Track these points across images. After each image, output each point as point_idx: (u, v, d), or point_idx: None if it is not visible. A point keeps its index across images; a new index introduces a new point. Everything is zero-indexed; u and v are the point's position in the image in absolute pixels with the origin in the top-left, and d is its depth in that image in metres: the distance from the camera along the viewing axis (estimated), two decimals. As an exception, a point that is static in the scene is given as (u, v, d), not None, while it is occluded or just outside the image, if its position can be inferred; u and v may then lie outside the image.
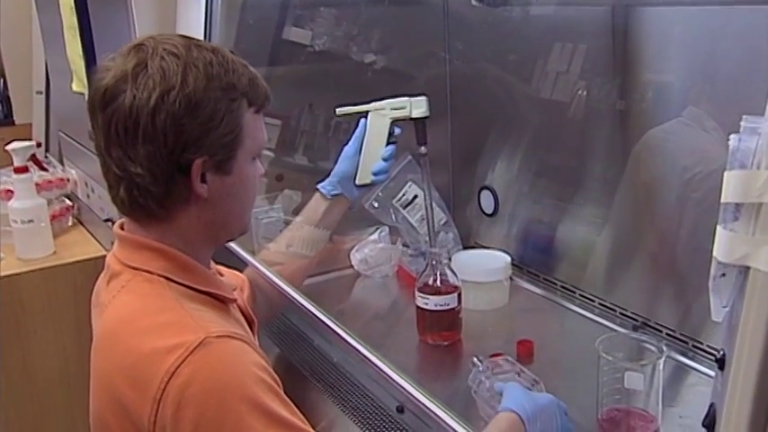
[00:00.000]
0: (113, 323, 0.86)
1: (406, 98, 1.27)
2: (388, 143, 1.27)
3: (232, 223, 0.93)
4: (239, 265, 1.22)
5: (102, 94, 0.83)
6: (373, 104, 1.28)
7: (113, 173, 0.85)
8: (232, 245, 1.26)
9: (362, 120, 1.29)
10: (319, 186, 1.28)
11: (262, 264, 1.22)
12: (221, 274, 1.02)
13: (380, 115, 1.28)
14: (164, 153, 0.83)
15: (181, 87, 0.82)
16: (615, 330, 1.25)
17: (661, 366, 0.93)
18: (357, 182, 1.28)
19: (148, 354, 0.79)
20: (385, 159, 1.27)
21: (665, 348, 0.95)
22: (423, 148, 1.27)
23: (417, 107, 1.26)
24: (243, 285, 1.16)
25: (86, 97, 1.53)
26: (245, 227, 0.97)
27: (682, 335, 1.17)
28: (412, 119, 1.27)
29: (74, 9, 1.50)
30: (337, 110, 1.30)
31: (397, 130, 1.28)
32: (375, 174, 1.27)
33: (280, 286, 1.17)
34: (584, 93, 1.35)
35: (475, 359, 1.05)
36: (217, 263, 1.04)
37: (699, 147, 1.16)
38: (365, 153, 1.28)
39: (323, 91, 1.66)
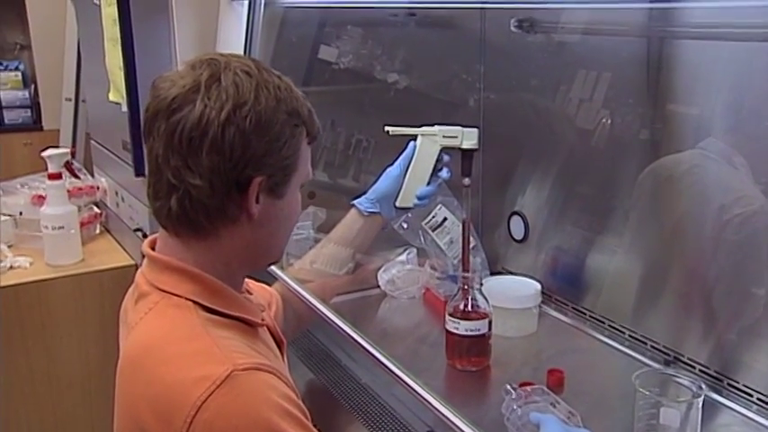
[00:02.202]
0: (139, 349, 0.85)
1: (458, 128, 1.27)
2: (434, 169, 1.28)
3: (272, 247, 0.94)
4: (269, 279, 1.23)
5: (170, 102, 0.83)
6: (425, 129, 1.28)
7: (167, 182, 0.85)
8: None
9: (411, 142, 1.29)
10: (356, 203, 1.28)
11: (292, 279, 1.23)
12: (250, 292, 1.02)
13: (431, 140, 1.28)
14: (227, 167, 0.83)
15: (253, 104, 0.83)
16: (645, 363, 1.24)
17: (699, 405, 0.92)
18: (398, 203, 1.27)
19: (174, 385, 0.78)
20: (443, 179, 1.28)
21: (704, 387, 0.94)
22: (467, 180, 1.27)
23: (468, 139, 1.27)
24: (271, 300, 1.16)
25: (123, 107, 1.54)
26: (280, 253, 0.97)
27: (716, 372, 1.15)
28: (461, 149, 1.27)
29: (117, 21, 1.53)
30: (389, 129, 1.28)
31: (446, 158, 1.28)
32: (419, 198, 1.27)
33: (311, 303, 1.18)
34: (616, 121, 1.35)
35: (508, 386, 1.04)
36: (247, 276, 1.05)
37: (733, 185, 1.15)
38: (411, 176, 1.27)
39: (345, 108, 1.68)
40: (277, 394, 0.79)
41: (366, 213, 1.27)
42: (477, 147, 1.27)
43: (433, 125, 1.28)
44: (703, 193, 1.19)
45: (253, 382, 0.78)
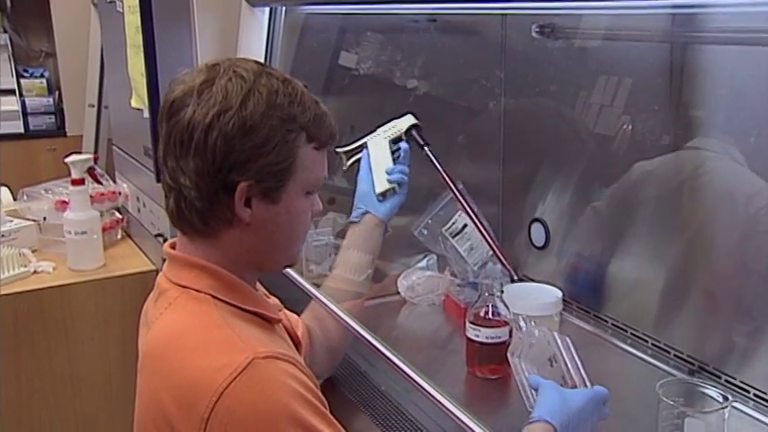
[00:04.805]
0: (160, 340, 0.86)
1: (393, 121, 1.34)
2: (395, 157, 1.31)
3: (276, 253, 0.93)
4: (285, 283, 1.23)
5: (170, 106, 0.86)
6: (368, 137, 1.35)
7: (166, 182, 0.89)
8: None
9: (364, 150, 1.33)
10: (349, 221, 1.30)
11: (311, 284, 1.23)
12: (267, 295, 1.03)
13: (377, 141, 1.33)
14: (211, 170, 0.84)
15: (238, 109, 0.84)
16: (669, 372, 1.22)
17: (726, 416, 0.91)
18: (377, 191, 1.28)
19: (195, 372, 0.80)
20: (404, 150, 1.31)
21: (730, 397, 0.92)
22: (427, 149, 1.31)
23: (406, 121, 1.33)
24: (297, 324, 1.14)
25: (145, 113, 1.57)
26: (291, 259, 0.97)
27: (742, 382, 1.13)
28: (407, 132, 1.32)
29: (139, 29, 1.54)
30: (337, 149, 1.35)
31: (402, 145, 1.32)
32: (389, 173, 1.28)
33: (329, 308, 1.18)
34: (637, 127, 1.34)
35: (521, 318, 1.07)
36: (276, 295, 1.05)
37: (747, 179, 1.15)
38: (376, 170, 1.30)
39: (365, 114, 1.67)
40: (296, 382, 0.81)
41: (357, 219, 1.27)
42: (416, 121, 1.33)
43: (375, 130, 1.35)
44: (723, 190, 1.19)
45: (273, 370, 0.80)
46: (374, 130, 1.35)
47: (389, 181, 1.28)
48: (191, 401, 0.78)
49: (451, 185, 1.32)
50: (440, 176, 1.32)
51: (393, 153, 1.32)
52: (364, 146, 1.34)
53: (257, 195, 0.87)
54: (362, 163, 1.32)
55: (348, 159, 1.36)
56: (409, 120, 1.33)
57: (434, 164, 1.30)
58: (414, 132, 1.32)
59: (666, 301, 1.31)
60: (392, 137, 1.33)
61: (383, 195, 1.28)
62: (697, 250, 1.25)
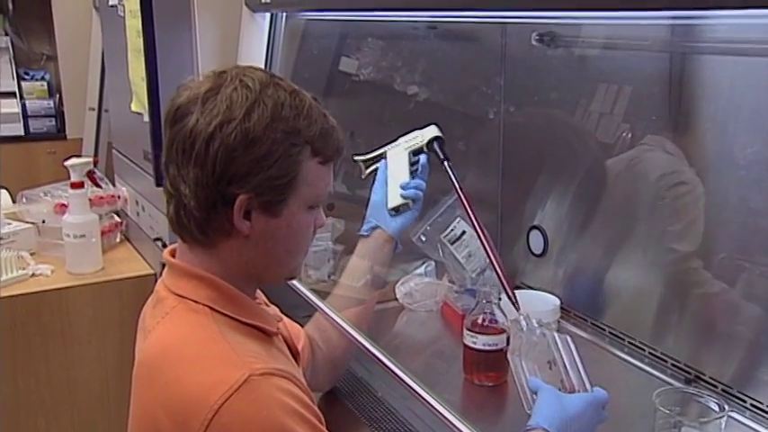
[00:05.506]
0: (156, 352, 0.86)
1: (416, 131, 1.30)
2: (413, 170, 1.28)
3: (275, 266, 0.92)
4: (288, 293, 1.23)
5: (174, 112, 0.86)
6: (388, 146, 1.32)
7: (167, 189, 0.88)
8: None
9: (383, 160, 1.31)
10: (359, 233, 1.27)
11: (311, 292, 1.23)
12: (267, 304, 1.02)
13: (397, 151, 1.30)
14: (210, 181, 0.83)
15: (242, 121, 0.82)
16: (666, 381, 1.22)
17: (722, 425, 0.91)
18: (388, 206, 1.25)
19: (190, 387, 0.79)
20: (422, 163, 1.28)
21: (727, 407, 0.92)
22: (446, 163, 1.27)
23: (429, 132, 1.30)
24: (298, 335, 1.13)
25: (145, 117, 1.56)
26: (291, 272, 0.95)
27: (740, 392, 1.13)
28: (428, 145, 1.29)
29: (140, 33, 1.55)
30: (356, 157, 1.32)
31: (422, 157, 1.29)
32: (403, 188, 1.25)
33: (328, 315, 1.18)
34: (636, 135, 1.34)
35: (521, 317, 1.06)
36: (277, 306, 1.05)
37: (664, 163, 1.28)
38: (391, 183, 1.27)
39: (365, 120, 1.68)
40: (292, 399, 0.80)
41: (366, 233, 1.25)
42: (439, 134, 1.29)
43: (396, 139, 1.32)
44: (643, 173, 1.31)
45: (269, 386, 0.79)
46: (395, 140, 1.31)
47: (403, 196, 1.25)
48: (185, 417, 0.77)
49: (467, 205, 1.25)
50: (454, 189, 1.27)
51: (412, 165, 1.29)
52: (383, 155, 1.31)
53: (257, 208, 0.85)
54: (378, 174, 1.29)
55: (367, 168, 1.33)
56: (432, 131, 1.30)
57: (452, 180, 1.26)
58: (435, 145, 1.28)
59: (664, 310, 1.31)
60: (413, 148, 1.29)
61: (396, 210, 1.25)
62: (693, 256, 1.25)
